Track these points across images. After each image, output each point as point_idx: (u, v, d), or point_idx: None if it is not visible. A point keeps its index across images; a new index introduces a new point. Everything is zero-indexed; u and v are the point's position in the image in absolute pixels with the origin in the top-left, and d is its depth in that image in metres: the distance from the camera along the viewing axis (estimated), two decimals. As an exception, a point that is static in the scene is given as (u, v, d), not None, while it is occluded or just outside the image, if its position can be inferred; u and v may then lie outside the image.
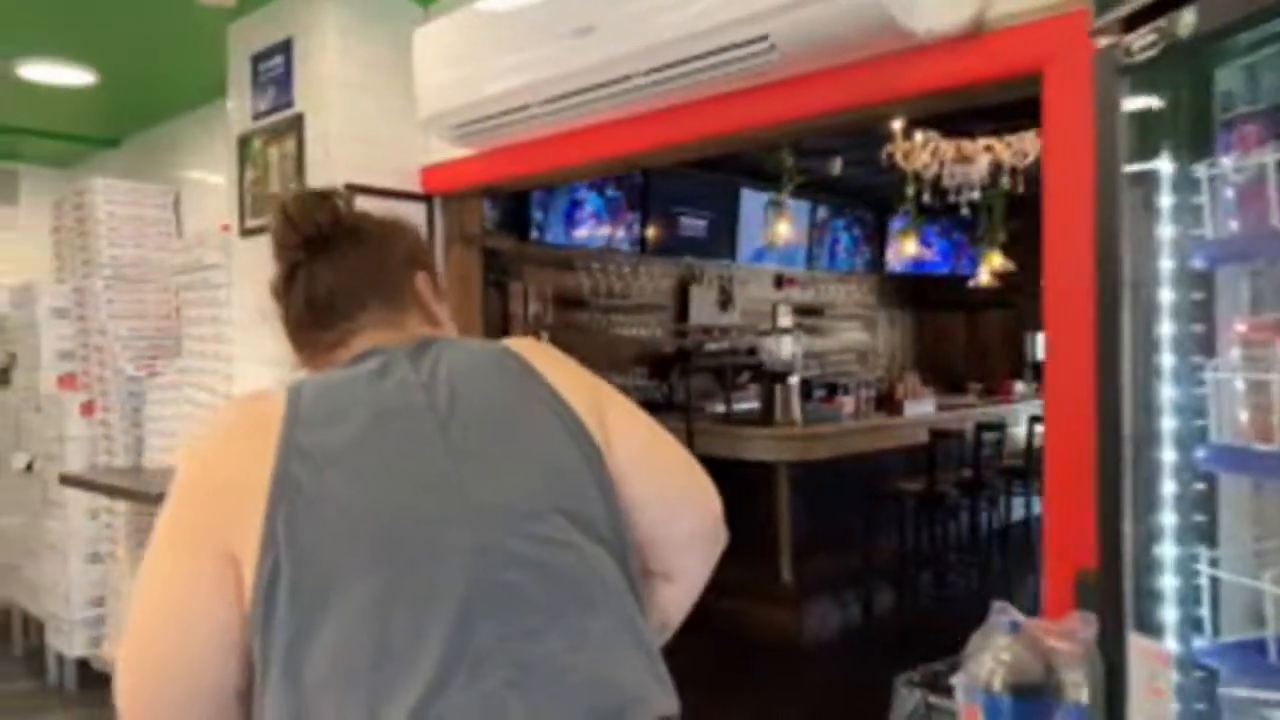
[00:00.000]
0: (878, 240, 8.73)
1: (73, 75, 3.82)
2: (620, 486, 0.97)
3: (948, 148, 4.26)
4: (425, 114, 2.66)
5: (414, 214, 3.07)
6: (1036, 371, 8.55)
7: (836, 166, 6.82)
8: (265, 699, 0.82)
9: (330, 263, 1.05)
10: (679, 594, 1.08)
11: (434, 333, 1.07)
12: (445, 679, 0.80)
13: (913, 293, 9.50)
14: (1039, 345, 9.31)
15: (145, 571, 0.88)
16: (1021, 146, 4.18)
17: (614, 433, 0.99)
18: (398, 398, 0.93)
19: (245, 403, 1.03)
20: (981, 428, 5.13)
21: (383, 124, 2.99)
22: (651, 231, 6.59)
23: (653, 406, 6.05)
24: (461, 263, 3.17)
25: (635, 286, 6.63)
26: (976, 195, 4.38)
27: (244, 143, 3.16)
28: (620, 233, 6.39)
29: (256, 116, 3.10)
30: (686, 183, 6.70)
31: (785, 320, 7.87)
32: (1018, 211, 6.95)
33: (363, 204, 1.12)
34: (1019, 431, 5.69)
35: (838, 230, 8.20)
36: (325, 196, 1.08)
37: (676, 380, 6.41)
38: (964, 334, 9.68)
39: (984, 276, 7.66)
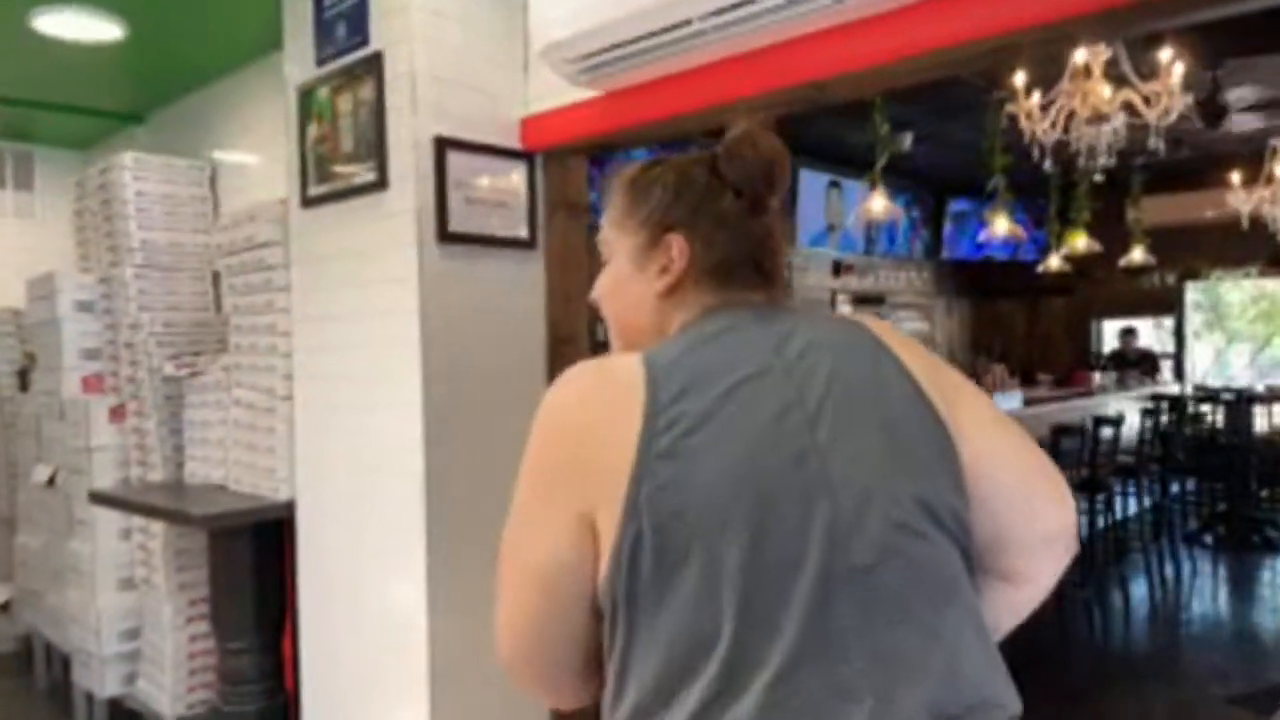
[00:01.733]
0: (934, 224, 8.28)
1: (98, 28, 3.32)
2: (972, 479, 0.94)
3: (1079, 103, 3.77)
4: (541, 43, 2.18)
5: (513, 175, 2.58)
6: (1107, 361, 8.06)
7: (907, 141, 6.34)
8: (630, 657, 0.86)
9: (756, 224, 1.04)
10: (1020, 598, 1.04)
11: (769, 298, 1.04)
12: (802, 655, 0.81)
13: (969, 279, 9.04)
14: (1106, 333, 8.91)
15: (514, 533, 0.93)
16: (1169, 101, 3.69)
17: (965, 422, 0.96)
18: (757, 364, 0.92)
19: (599, 368, 0.96)
20: (1100, 422, 4.65)
21: (480, 64, 2.50)
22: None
23: None
24: (566, 235, 2.68)
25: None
26: (1111, 161, 3.88)
27: (306, 95, 2.67)
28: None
29: (322, 61, 2.61)
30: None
31: (845, 309, 7.45)
32: (1098, 190, 6.47)
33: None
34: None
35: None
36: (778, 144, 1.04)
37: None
38: (1024, 322, 9.23)
39: (1054, 261, 7.19)
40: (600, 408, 0.90)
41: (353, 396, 2.60)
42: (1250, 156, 6.02)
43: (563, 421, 0.92)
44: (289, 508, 2.82)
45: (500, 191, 2.57)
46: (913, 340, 1.03)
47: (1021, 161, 4.91)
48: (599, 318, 1.14)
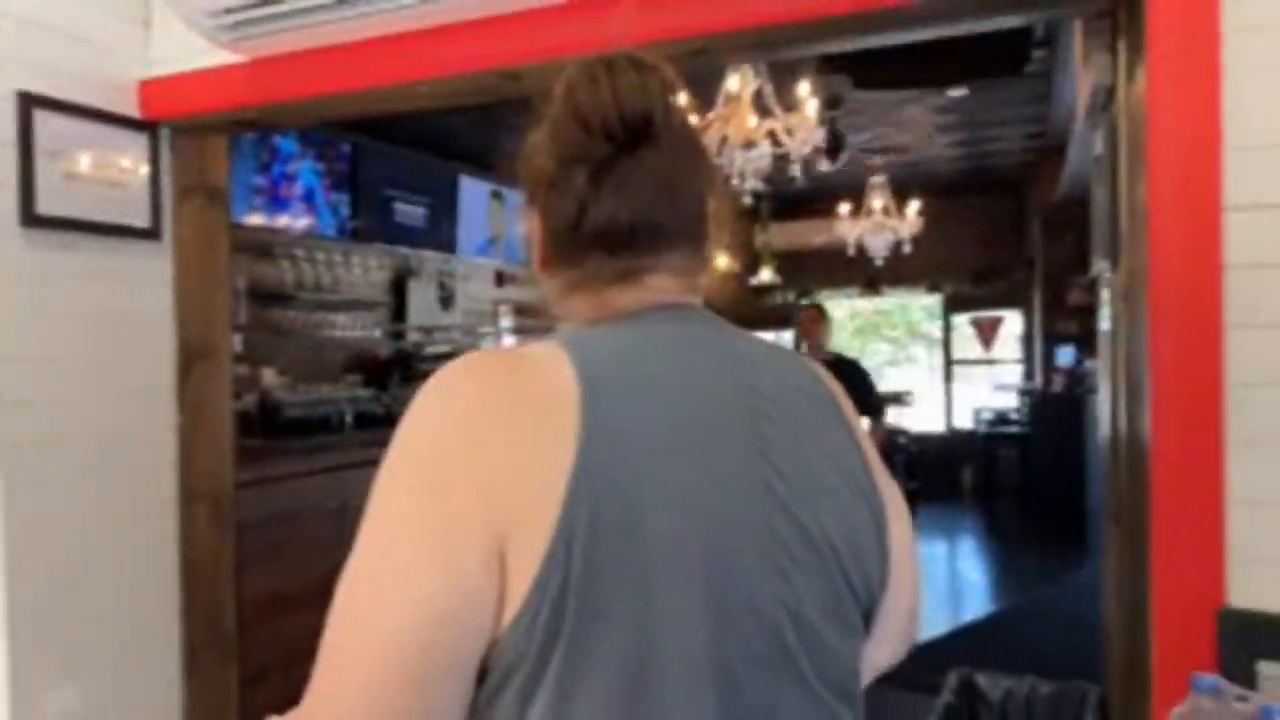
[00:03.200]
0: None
1: None
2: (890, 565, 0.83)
3: (732, 129, 4.01)
4: (172, -11, 1.77)
5: (129, 150, 2.09)
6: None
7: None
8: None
9: (644, 170, 0.78)
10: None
11: (688, 286, 0.83)
12: None
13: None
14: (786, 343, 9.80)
15: (370, 580, 0.65)
16: (805, 134, 4.04)
17: (890, 505, 0.84)
18: (715, 389, 0.76)
19: (517, 361, 0.72)
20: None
21: (86, 7, 2.00)
22: (362, 217, 5.70)
23: (370, 420, 5.41)
24: (200, 226, 2.24)
25: (346, 280, 5.69)
26: (760, 186, 4.17)
27: None
28: (325, 216, 5.44)
29: None
30: (400, 164, 5.96)
31: (506, 321, 7.40)
32: (736, 213, 7.05)
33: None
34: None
35: (557, 225, 7.86)
36: (647, 69, 0.79)
37: (396, 388, 5.64)
38: (669, 335, 9.81)
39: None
40: (523, 413, 0.68)
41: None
42: (855, 190, 6.91)
43: (470, 426, 0.68)
44: None
45: (112, 168, 2.07)
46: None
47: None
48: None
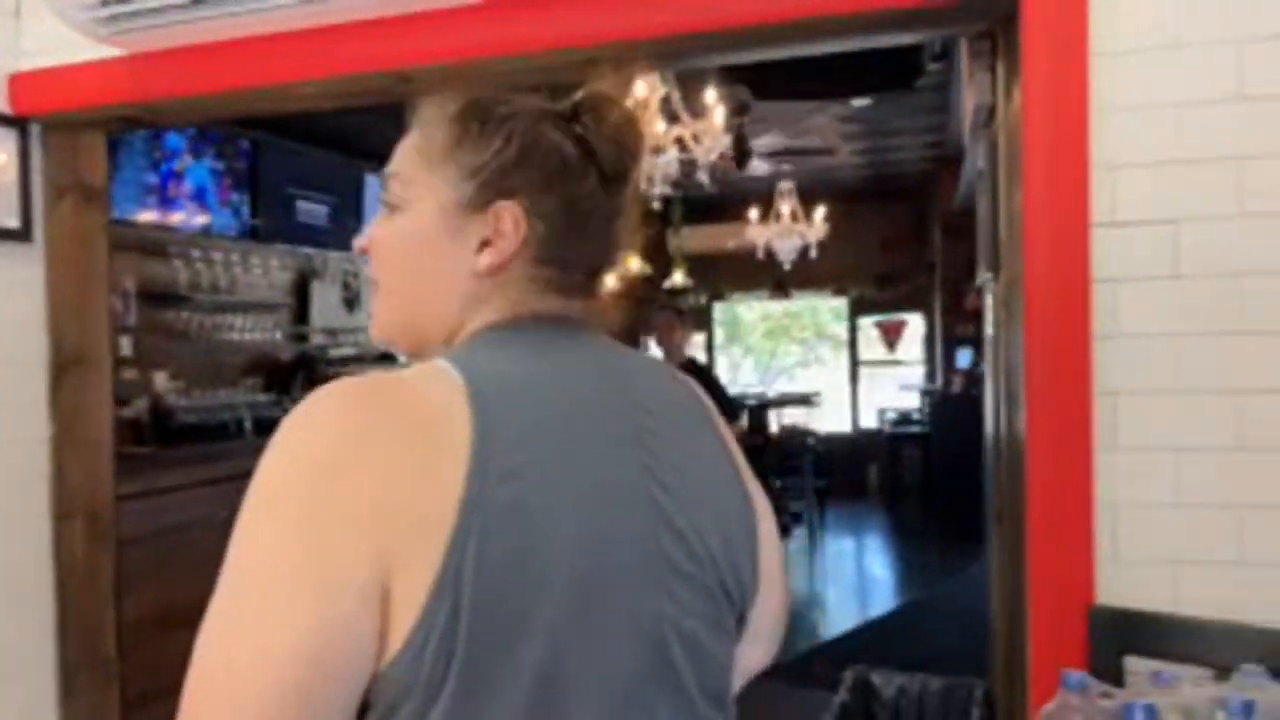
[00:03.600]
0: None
1: None
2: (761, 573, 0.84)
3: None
4: (42, -22, 1.68)
5: (-4, 145, 1.98)
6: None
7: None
8: None
9: (613, 210, 0.81)
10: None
11: (585, 312, 0.83)
12: None
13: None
14: (654, 347, 9.83)
15: (241, 619, 0.61)
16: (712, 141, 4.09)
17: (753, 494, 0.85)
18: (609, 413, 0.76)
19: (398, 385, 0.69)
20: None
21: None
22: (263, 216, 5.53)
23: (271, 425, 5.23)
24: (76, 226, 2.13)
25: (245, 281, 5.50)
26: (668, 191, 4.19)
27: None
28: (223, 214, 5.25)
29: None
30: (303, 162, 5.81)
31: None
32: (648, 217, 7.09)
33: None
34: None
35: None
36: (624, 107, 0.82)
37: (299, 392, 5.48)
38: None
39: (610, 281, 7.74)
40: (402, 437, 0.65)
41: None
42: (764, 196, 7.02)
43: (345, 455, 0.63)
44: None
45: (-24, 164, 1.95)
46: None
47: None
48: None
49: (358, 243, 0.85)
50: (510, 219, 0.76)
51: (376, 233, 0.82)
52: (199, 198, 5.04)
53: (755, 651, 0.91)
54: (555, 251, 0.78)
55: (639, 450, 0.75)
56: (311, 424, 0.65)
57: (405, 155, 0.82)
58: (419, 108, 0.84)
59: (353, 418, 0.66)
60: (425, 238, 0.78)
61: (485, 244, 0.77)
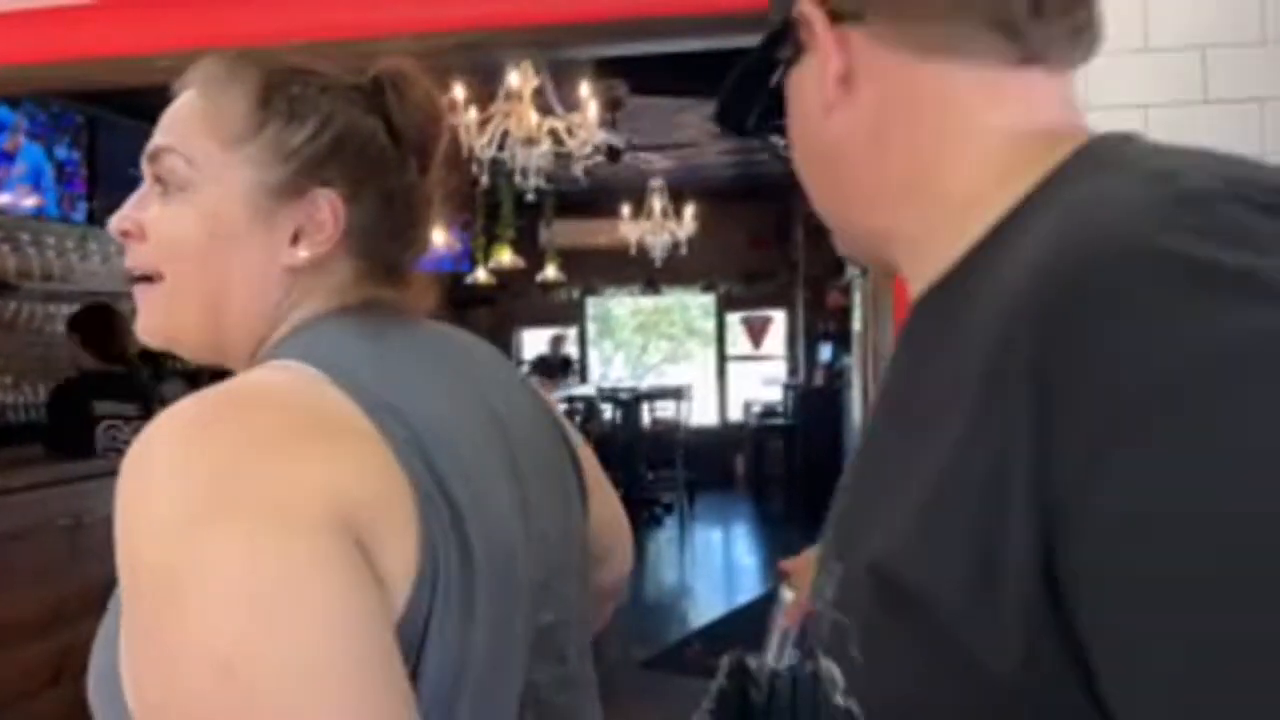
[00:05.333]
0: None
1: None
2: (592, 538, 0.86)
3: (514, 124, 3.97)
4: None
5: None
6: (533, 366, 8.82)
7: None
8: None
9: (429, 189, 0.78)
10: None
11: (402, 300, 0.78)
12: None
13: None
14: (526, 342, 9.74)
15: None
16: (586, 134, 4.08)
17: (590, 476, 0.88)
18: (465, 397, 0.73)
19: (273, 391, 0.63)
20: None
21: None
22: (100, 199, 5.15)
23: None
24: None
25: (82, 268, 5.11)
26: (542, 183, 4.16)
27: None
28: (56, 196, 4.87)
29: None
30: (147, 140, 5.43)
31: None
32: (520, 209, 7.04)
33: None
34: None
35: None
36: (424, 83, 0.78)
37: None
38: (452, 331, 9.60)
39: (481, 274, 7.63)
40: (319, 438, 0.59)
41: None
42: (637, 192, 7.08)
43: (273, 452, 0.57)
44: None
45: None
46: None
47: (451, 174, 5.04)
48: None
49: (121, 226, 0.72)
50: (329, 208, 0.70)
51: (153, 216, 0.71)
52: (31, 177, 4.65)
53: (606, 574, 0.93)
54: (374, 239, 0.73)
55: (505, 450, 0.72)
56: (201, 442, 0.56)
57: (187, 126, 0.71)
58: (194, 71, 0.73)
59: (267, 419, 0.59)
60: (226, 225, 0.69)
61: (298, 234, 0.70)
